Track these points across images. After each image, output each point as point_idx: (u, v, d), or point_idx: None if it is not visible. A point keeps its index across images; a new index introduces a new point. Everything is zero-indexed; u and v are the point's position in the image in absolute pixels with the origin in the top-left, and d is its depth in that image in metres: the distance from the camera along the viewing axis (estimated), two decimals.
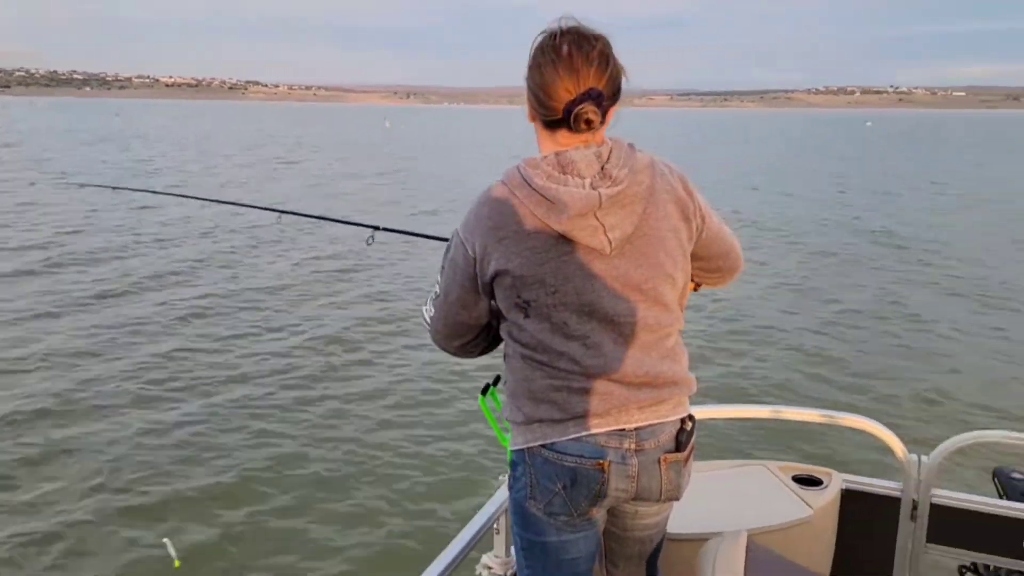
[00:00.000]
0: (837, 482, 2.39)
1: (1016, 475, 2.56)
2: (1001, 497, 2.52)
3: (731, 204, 19.46)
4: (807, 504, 2.27)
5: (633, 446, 1.50)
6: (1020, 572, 2.34)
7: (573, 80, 1.40)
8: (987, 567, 2.41)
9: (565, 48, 1.41)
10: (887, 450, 2.37)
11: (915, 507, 2.34)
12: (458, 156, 39.95)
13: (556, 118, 1.44)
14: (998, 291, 10.96)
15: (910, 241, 15.06)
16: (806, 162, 38.29)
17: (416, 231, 2.99)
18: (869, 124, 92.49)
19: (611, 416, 1.48)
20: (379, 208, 18.80)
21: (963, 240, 15.23)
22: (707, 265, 1.63)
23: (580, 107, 1.40)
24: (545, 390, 1.49)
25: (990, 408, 6.48)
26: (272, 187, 23.16)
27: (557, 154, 1.44)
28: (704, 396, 6.31)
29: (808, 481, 2.42)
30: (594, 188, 1.40)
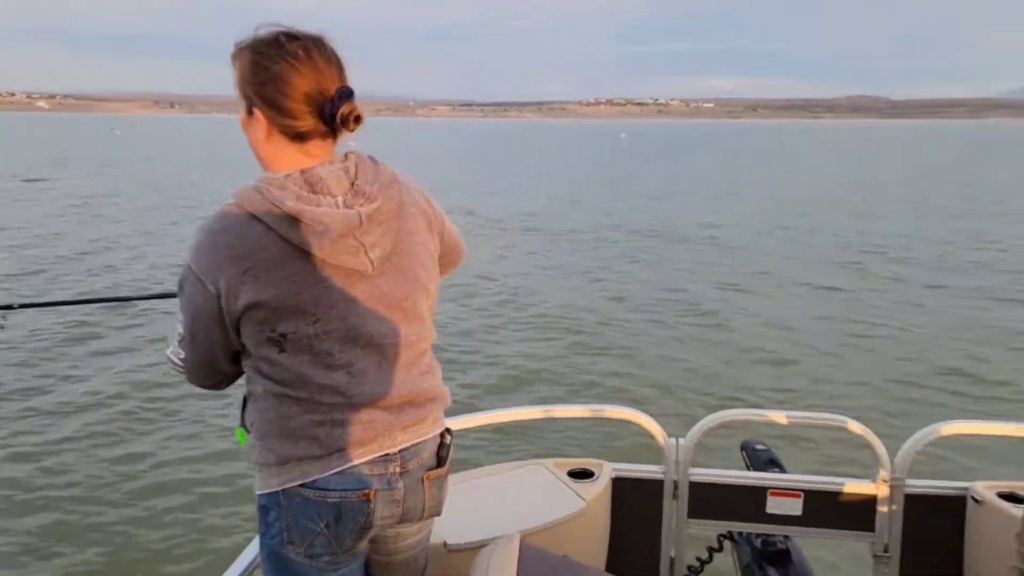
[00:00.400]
0: (608, 472, 2.49)
1: (760, 447, 2.84)
2: (748, 468, 2.78)
3: (508, 209, 20.26)
4: (580, 497, 2.34)
5: (398, 469, 1.45)
6: (766, 534, 2.58)
7: (323, 81, 1.31)
8: (740, 533, 2.64)
9: (302, 50, 1.31)
10: (651, 436, 2.52)
11: (676, 487, 2.50)
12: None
13: (305, 128, 1.32)
14: (751, 279, 12.26)
15: (668, 235, 16.58)
16: (575, 169, 40.88)
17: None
18: (623, 136, 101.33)
19: (376, 443, 1.42)
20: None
21: (712, 234, 16.93)
22: (441, 263, 1.62)
23: (344, 107, 1.31)
24: (305, 426, 1.38)
25: (743, 387, 7.18)
26: None
27: (303, 172, 1.33)
28: (477, 401, 6.48)
29: (582, 474, 2.50)
30: (348, 207, 1.33)
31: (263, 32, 1.34)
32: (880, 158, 56.69)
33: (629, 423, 2.57)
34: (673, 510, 2.52)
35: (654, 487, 2.52)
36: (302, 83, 1.31)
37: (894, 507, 2.45)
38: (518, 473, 2.52)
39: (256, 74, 1.33)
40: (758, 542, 2.59)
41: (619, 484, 2.51)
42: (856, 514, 2.49)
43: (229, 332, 1.38)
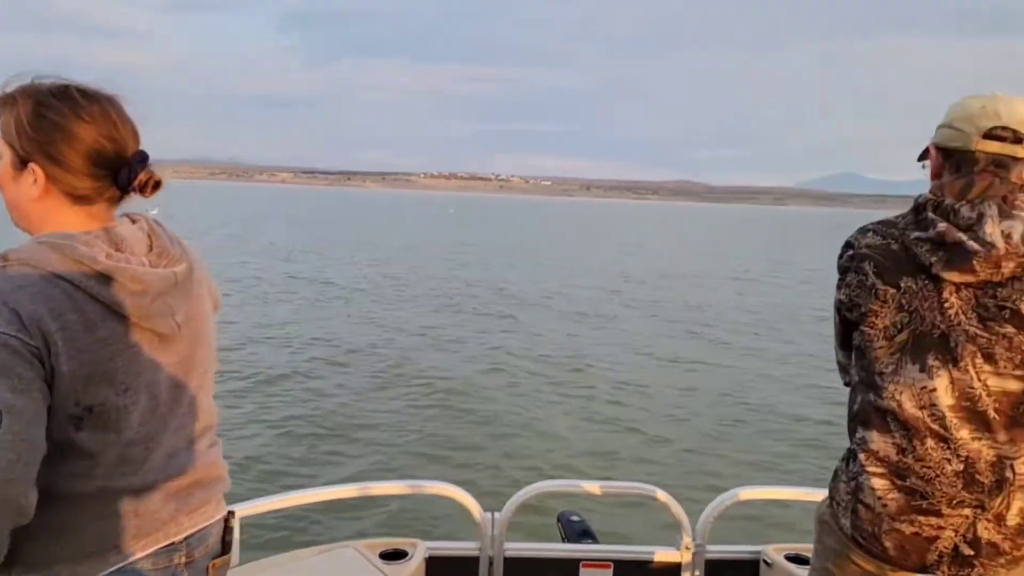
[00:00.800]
0: (422, 551, 2.43)
1: (575, 518, 2.89)
2: (563, 539, 2.81)
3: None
4: None
5: (183, 559, 1.32)
6: None
7: (119, 143, 1.26)
8: None
9: (97, 107, 1.25)
10: (466, 511, 2.49)
11: (492, 563, 2.47)
12: None
13: (93, 191, 1.25)
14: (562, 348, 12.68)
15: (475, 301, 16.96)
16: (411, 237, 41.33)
17: None
18: (452, 211, 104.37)
19: (161, 532, 1.29)
20: None
21: (520, 308, 17.46)
22: None
23: (143, 173, 1.26)
24: (84, 521, 1.22)
25: (555, 458, 7.28)
26: None
27: (106, 230, 1.26)
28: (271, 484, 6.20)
29: (395, 555, 2.42)
30: (155, 267, 1.27)
31: (48, 82, 1.26)
32: (704, 237, 61.97)
33: (445, 498, 2.53)
34: None
35: (470, 564, 2.49)
36: (97, 143, 1.23)
37: (696, 573, 2.56)
38: (326, 557, 2.40)
39: (40, 125, 1.23)
40: None
41: (433, 563, 2.45)
42: None
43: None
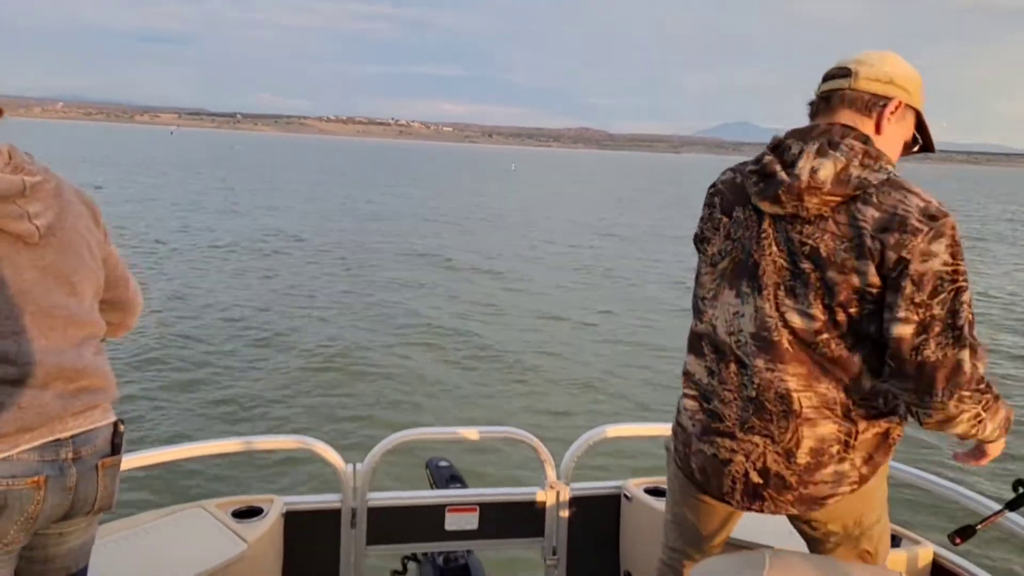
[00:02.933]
0: (278, 507, 2.35)
1: (443, 463, 2.87)
2: (431, 486, 2.79)
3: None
4: (241, 538, 2.17)
5: (71, 455, 1.42)
6: (448, 551, 2.60)
7: None
8: (425, 554, 2.63)
9: None
10: (328, 464, 2.42)
11: (354, 515, 2.42)
12: None
13: None
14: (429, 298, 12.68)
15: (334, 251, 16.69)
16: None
17: None
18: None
19: (46, 427, 1.39)
20: None
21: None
22: (111, 296, 1.59)
23: None
24: None
25: (419, 407, 7.27)
26: None
27: None
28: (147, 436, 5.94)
29: (249, 513, 2.33)
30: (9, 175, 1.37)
31: None
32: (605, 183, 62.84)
33: (305, 452, 2.45)
34: (352, 539, 2.45)
35: (330, 517, 2.43)
36: None
37: (561, 511, 2.60)
38: (174, 519, 2.28)
39: None
40: (440, 560, 2.61)
41: (292, 518, 2.38)
42: (528, 521, 2.61)
43: None
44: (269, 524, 2.27)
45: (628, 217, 30.42)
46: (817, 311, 1.56)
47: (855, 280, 1.52)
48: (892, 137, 1.67)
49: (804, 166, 1.57)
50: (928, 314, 1.49)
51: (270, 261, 15.47)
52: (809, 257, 1.57)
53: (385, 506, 2.48)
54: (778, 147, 1.66)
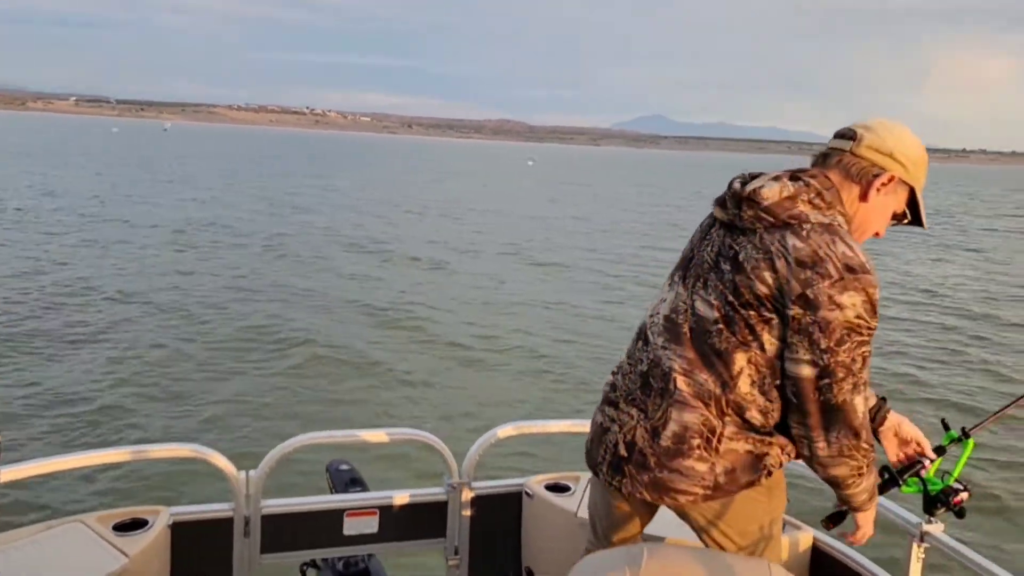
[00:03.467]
0: (165, 518, 2.26)
1: (343, 466, 2.82)
2: (331, 490, 2.74)
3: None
4: (122, 552, 2.07)
5: None
6: (348, 556, 2.56)
7: None
8: (325, 560, 2.57)
9: None
10: (219, 472, 2.34)
11: (247, 523, 2.35)
12: None
13: None
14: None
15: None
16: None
17: None
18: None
19: None
20: None
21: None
22: None
23: None
24: None
25: (322, 410, 7.08)
26: None
27: None
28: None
29: (133, 525, 2.23)
30: None
31: None
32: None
33: (196, 460, 2.36)
34: (245, 548, 2.37)
35: (222, 527, 2.35)
36: None
37: (462, 511, 2.60)
38: (49, 535, 2.15)
39: None
40: (340, 565, 2.56)
41: (180, 529, 2.29)
42: (429, 522, 2.59)
43: None
44: (153, 536, 2.18)
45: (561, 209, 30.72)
46: (719, 303, 1.67)
47: (759, 288, 1.62)
48: (880, 207, 1.76)
49: (757, 183, 1.69)
50: (833, 360, 1.59)
51: (147, 258, 14.85)
52: (729, 259, 1.68)
53: (280, 513, 2.42)
54: (762, 175, 1.77)
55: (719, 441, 1.67)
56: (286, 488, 2.65)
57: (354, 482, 2.72)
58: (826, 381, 1.59)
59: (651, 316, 1.81)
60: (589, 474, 2.18)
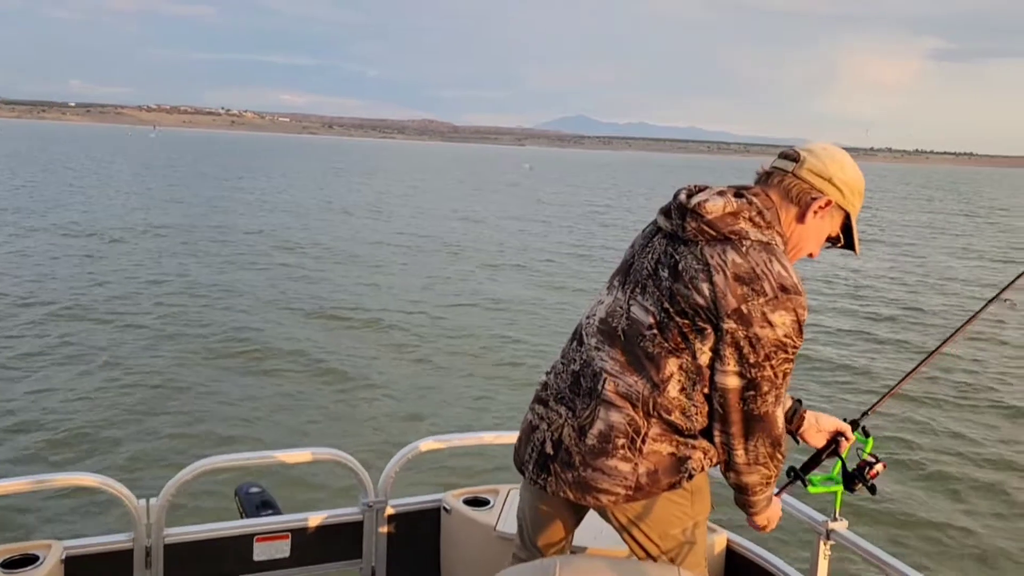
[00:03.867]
0: (57, 552, 2.12)
1: (254, 489, 2.72)
2: (241, 515, 2.63)
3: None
4: None
5: None
6: None
7: None
8: None
9: None
10: (117, 501, 2.21)
11: (149, 553, 2.23)
12: None
13: None
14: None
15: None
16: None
17: None
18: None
19: None
20: None
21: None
22: None
23: None
24: None
25: (211, 436, 6.76)
26: None
27: None
28: None
29: (22, 562, 2.08)
30: None
31: None
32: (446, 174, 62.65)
33: (91, 489, 2.23)
34: None
35: (122, 559, 2.23)
36: None
37: (379, 529, 2.54)
38: None
39: None
40: None
41: (74, 563, 2.16)
42: (344, 543, 2.52)
43: None
44: (45, 573, 2.04)
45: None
46: (655, 310, 1.70)
47: (696, 299, 1.66)
48: (815, 229, 1.82)
49: (702, 197, 1.73)
50: (760, 374, 1.65)
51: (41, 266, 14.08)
52: (669, 267, 1.71)
53: (185, 541, 2.31)
54: (707, 188, 1.80)
55: (643, 442, 1.69)
56: (195, 515, 2.53)
57: (265, 505, 2.62)
58: (751, 393, 1.65)
59: (587, 318, 1.83)
60: (509, 487, 2.19)
